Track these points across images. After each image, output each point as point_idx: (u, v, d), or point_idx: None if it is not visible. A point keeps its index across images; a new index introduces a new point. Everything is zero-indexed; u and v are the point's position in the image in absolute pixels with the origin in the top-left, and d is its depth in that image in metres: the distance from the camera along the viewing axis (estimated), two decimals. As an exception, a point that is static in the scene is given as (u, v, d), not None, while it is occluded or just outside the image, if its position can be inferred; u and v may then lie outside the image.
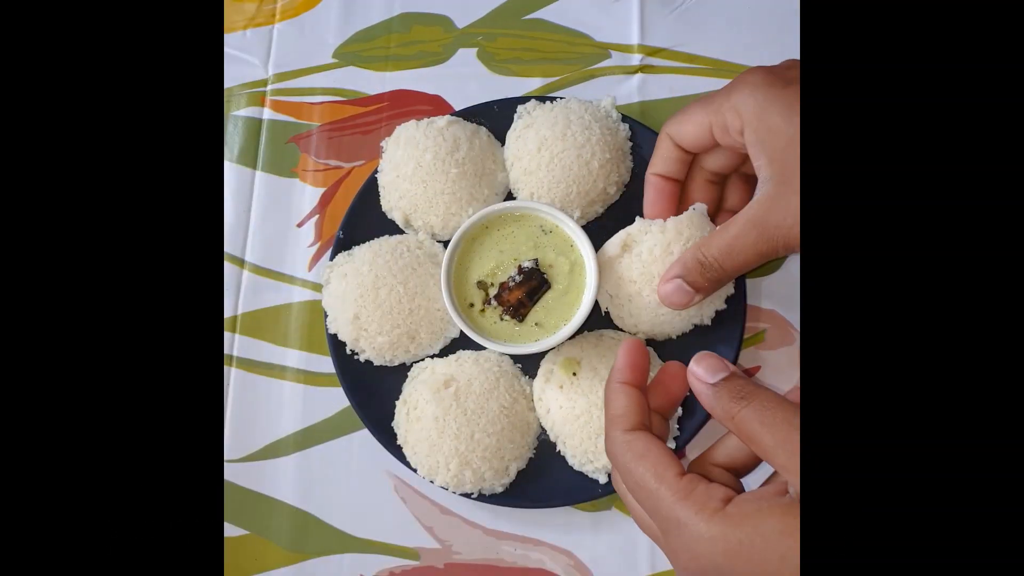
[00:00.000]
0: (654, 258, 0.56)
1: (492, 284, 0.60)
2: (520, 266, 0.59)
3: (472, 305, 0.60)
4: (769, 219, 0.47)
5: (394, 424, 0.61)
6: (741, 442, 0.42)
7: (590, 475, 0.59)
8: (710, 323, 0.60)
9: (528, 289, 0.59)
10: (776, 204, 0.47)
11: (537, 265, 0.59)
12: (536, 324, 0.60)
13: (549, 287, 0.59)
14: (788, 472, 0.38)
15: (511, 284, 0.59)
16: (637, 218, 0.59)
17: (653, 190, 0.59)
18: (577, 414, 0.58)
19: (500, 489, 0.59)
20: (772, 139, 0.47)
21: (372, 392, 0.63)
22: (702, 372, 0.43)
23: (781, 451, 0.38)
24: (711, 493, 0.40)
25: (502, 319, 0.60)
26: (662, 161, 0.57)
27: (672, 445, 0.59)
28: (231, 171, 0.72)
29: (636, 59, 0.72)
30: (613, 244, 0.58)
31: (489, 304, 0.60)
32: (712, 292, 0.54)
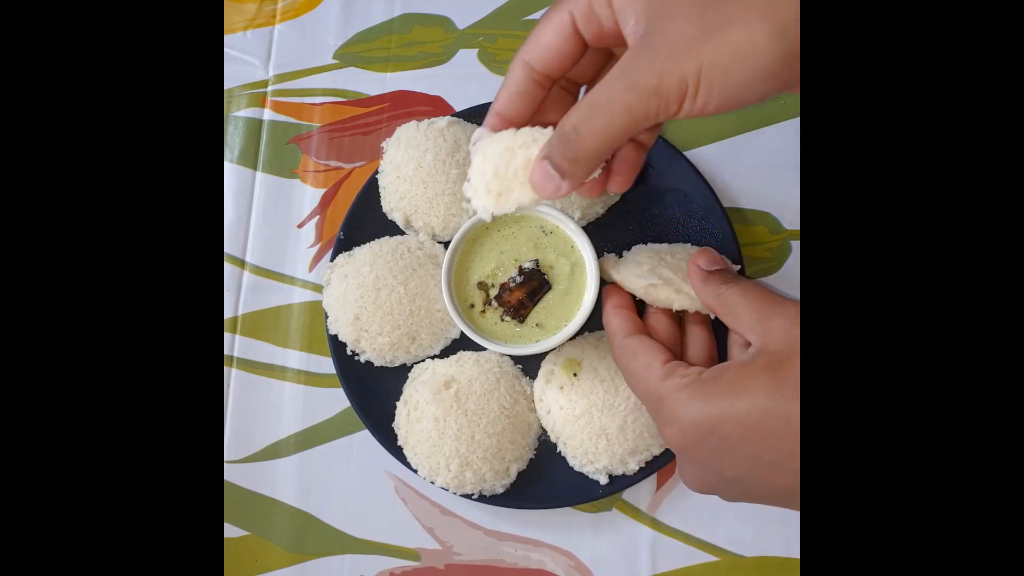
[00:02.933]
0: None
1: (493, 285, 0.60)
2: (521, 267, 0.59)
3: (472, 306, 0.60)
4: (637, 67, 0.37)
5: (395, 425, 0.61)
6: (710, 333, 0.54)
7: (591, 476, 0.59)
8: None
9: (529, 290, 0.59)
10: (645, 50, 0.37)
11: (538, 266, 0.59)
12: (537, 325, 0.60)
13: (550, 288, 0.59)
14: (754, 333, 0.44)
15: (512, 285, 0.59)
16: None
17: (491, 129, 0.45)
18: (578, 415, 0.58)
19: (501, 490, 0.59)
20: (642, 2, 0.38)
21: (373, 393, 0.63)
22: (702, 261, 0.50)
23: (755, 319, 0.45)
24: (689, 370, 0.46)
25: (503, 320, 0.60)
26: (509, 96, 0.44)
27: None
28: (231, 172, 0.72)
29: (637, 60, 0.72)
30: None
31: (490, 305, 0.60)
32: (579, 176, 0.42)
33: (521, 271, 0.59)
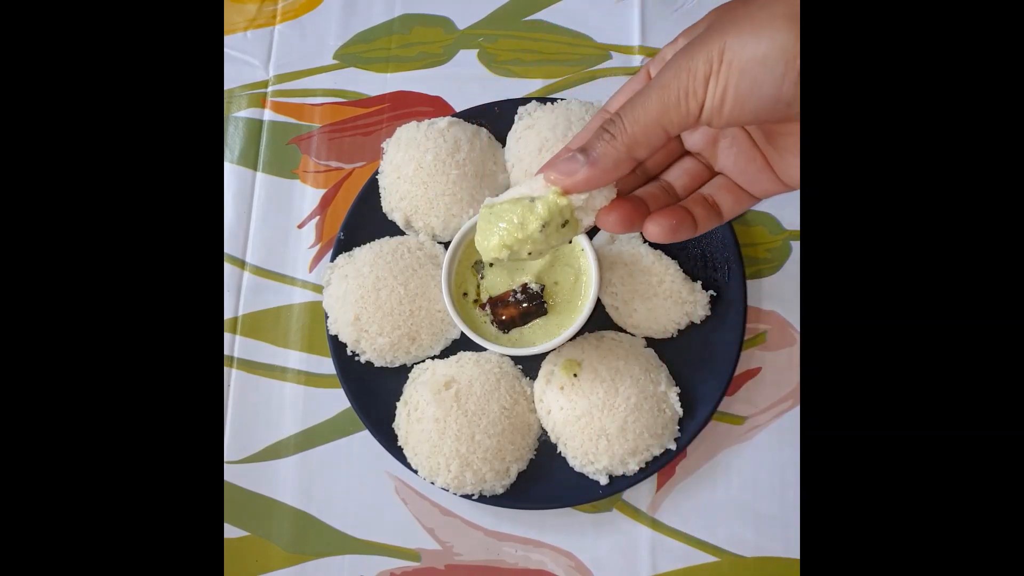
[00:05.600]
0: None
1: (485, 274, 0.59)
2: (526, 285, 0.59)
3: (466, 294, 0.60)
4: (671, 61, 0.39)
5: (395, 425, 0.61)
6: None
7: (591, 476, 0.59)
8: (699, 321, 0.61)
9: (524, 311, 0.58)
10: (684, 62, 0.38)
11: (542, 292, 0.59)
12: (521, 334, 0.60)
13: (544, 315, 0.59)
14: None
15: (510, 299, 0.58)
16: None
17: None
18: (578, 415, 0.58)
19: (501, 490, 0.59)
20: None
21: (373, 393, 0.63)
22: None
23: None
24: None
25: (491, 323, 0.60)
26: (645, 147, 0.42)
27: (673, 446, 0.59)
28: (232, 172, 0.72)
29: (637, 60, 0.72)
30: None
31: (483, 308, 0.60)
32: (610, 169, 0.41)
33: (525, 289, 0.58)
